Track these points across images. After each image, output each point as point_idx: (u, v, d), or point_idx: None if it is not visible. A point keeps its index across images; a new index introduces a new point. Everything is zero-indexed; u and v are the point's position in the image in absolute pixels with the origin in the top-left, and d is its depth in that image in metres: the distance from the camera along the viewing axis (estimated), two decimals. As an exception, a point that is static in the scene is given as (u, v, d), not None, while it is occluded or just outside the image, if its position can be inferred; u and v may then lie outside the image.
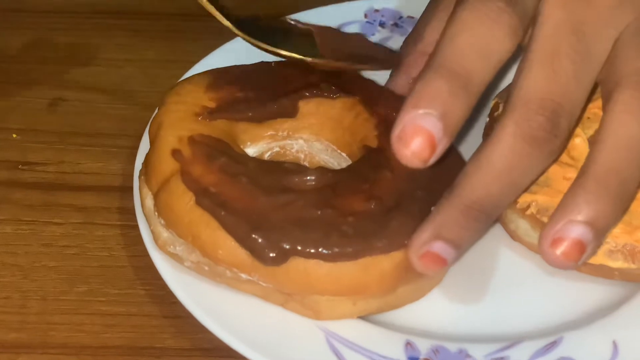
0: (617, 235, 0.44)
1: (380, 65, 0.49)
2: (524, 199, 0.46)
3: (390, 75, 0.51)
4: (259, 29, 0.47)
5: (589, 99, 0.44)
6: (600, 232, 0.42)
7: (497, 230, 0.48)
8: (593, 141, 0.43)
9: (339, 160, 0.48)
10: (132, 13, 0.60)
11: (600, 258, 0.45)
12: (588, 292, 0.46)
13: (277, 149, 0.49)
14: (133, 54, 0.57)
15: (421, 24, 0.50)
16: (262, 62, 0.50)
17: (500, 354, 0.43)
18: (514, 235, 0.47)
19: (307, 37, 0.48)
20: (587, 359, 0.43)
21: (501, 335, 0.44)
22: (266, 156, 0.48)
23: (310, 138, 0.49)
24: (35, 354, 0.44)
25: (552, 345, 0.44)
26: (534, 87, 0.42)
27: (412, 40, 0.50)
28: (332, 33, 0.50)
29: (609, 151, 0.42)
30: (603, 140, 0.42)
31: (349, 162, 0.48)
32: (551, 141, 0.42)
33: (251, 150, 0.48)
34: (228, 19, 0.47)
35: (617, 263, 0.45)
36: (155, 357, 0.45)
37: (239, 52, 0.53)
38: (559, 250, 0.42)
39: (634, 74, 0.42)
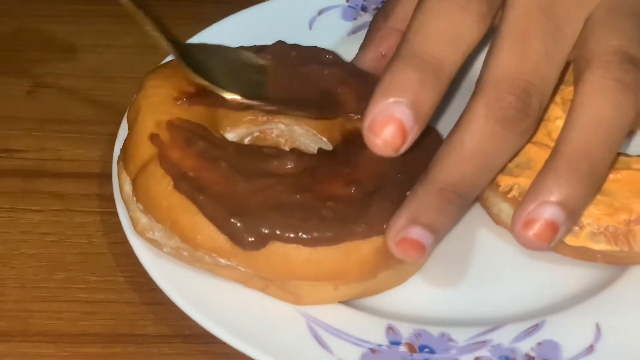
0: (599, 218, 0.44)
1: (320, 114, 0.48)
2: (506, 182, 0.46)
3: (360, 49, 0.50)
4: (210, 56, 0.47)
5: (561, 79, 0.43)
6: (572, 212, 0.42)
7: (480, 214, 0.47)
8: (564, 122, 0.42)
9: (319, 144, 0.48)
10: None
11: (582, 240, 0.45)
12: (571, 275, 0.46)
13: (257, 133, 0.48)
14: (112, 40, 0.57)
15: (390, 0, 0.50)
16: (241, 46, 0.49)
17: (482, 338, 0.43)
18: (496, 219, 0.47)
19: (260, 72, 0.47)
20: (570, 341, 0.43)
21: (483, 319, 0.44)
22: (246, 141, 0.48)
23: (291, 122, 0.48)
24: (14, 342, 0.44)
25: (534, 328, 0.43)
26: (504, 68, 0.42)
27: (382, 15, 0.50)
28: (292, 71, 0.48)
29: (580, 132, 0.42)
30: (573, 120, 0.42)
31: (330, 146, 0.47)
32: (523, 120, 0.41)
33: (231, 135, 0.48)
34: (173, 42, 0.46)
35: (600, 245, 0.45)
36: (135, 344, 0.44)
37: (218, 37, 0.53)
38: (532, 231, 0.41)
39: (605, 54, 0.42)
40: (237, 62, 0.47)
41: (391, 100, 0.41)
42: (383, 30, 0.49)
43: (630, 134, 0.50)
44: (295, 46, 0.50)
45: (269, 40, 0.50)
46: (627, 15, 0.44)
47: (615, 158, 0.46)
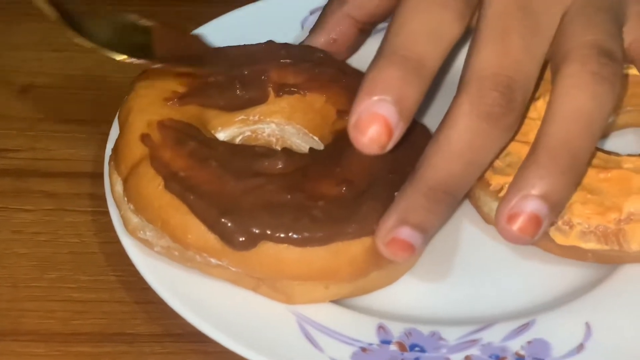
0: (590, 217, 0.44)
1: (206, 67, 0.48)
2: (497, 181, 0.46)
3: (311, 32, 0.51)
4: (97, 21, 0.46)
5: (541, 75, 0.44)
6: (555, 205, 0.42)
7: (471, 213, 0.48)
8: (544, 116, 0.43)
9: (311, 143, 0.48)
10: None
11: (573, 240, 0.45)
12: (561, 274, 0.46)
13: (248, 133, 0.48)
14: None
15: None
16: (231, 45, 0.49)
17: (473, 337, 0.43)
18: (487, 218, 0.47)
19: (146, 34, 0.47)
20: (560, 340, 0.43)
21: (474, 318, 0.44)
22: (237, 140, 0.48)
23: (282, 122, 0.48)
24: (5, 340, 0.44)
25: (525, 327, 0.44)
26: (485, 64, 0.42)
27: (337, 1, 0.50)
28: (177, 33, 0.49)
29: (559, 124, 0.42)
30: (552, 114, 0.42)
31: (321, 145, 0.47)
32: (507, 115, 0.42)
33: (222, 135, 0.48)
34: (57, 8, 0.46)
35: (590, 244, 0.45)
36: (126, 343, 0.44)
37: (211, 36, 0.53)
38: (516, 225, 0.42)
39: (581, 48, 0.43)
40: (124, 25, 0.47)
41: (375, 98, 0.41)
42: (337, 15, 0.50)
43: (604, 136, 0.50)
44: (285, 45, 0.50)
45: (261, 40, 0.50)
46: (603, 9, 0.44)
47: (606, 157, 0.46)
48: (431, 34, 0.42)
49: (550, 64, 0.44)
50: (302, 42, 0.52)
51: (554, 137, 0.42)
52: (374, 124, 0.41)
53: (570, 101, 0.42)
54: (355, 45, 0.51)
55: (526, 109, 0.44)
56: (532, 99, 0.46)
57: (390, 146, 0.41)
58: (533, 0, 0.43)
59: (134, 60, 0.44)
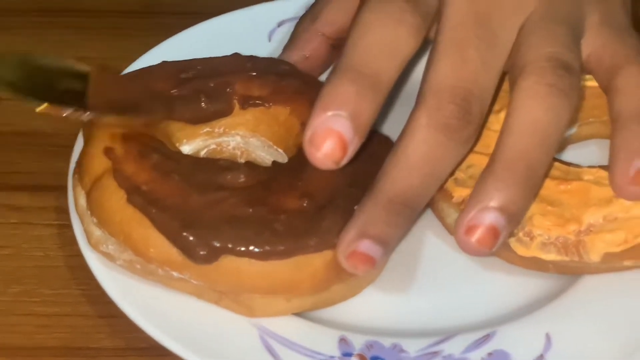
0: (550, 228, 0.45)
1: (141, 115, 0.46)
2: (460, 193, 0.46)
3: (284, 50, 0.51)
4: (22, 67, 0.44)
5: (499, 88, 0.44)
6: (512, 216, 0.42)
7: (435, 225, 0.48)
8: (501, 128, 0.43)
9: (275, 156, 0.48)
10: (71, 10, 0.60)
11: (533, 251, 0.45)
12: (523, 285, 0.46)
13: (213, 146, 0.49)
14: (72, 52, 0.57)
15: (318, 2, 0.51)
16: (196, 58, 0.49)
17: (434, 348, 0.43)
18: (450, 230, 0.47)
19: (82, 80, 0.44)
20: (520, 352, 0.43)
21: (435, 330, 0.45)
22: (202, 153, 0.48)
23: (247, 134, 0.49)
24: (-32, 355, 0.44)
25: (486, 338, 0.44)
26: (443, 77, 0.42)
27: (309, 17, 0.51)
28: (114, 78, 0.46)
29: (516, 137, 0.42)
30: (510, 126, 0.43)
31: (286, 158, 0.48)
32: (465, 128, 0.42)
33: (187, 148, 0.48)
34: None
35: (550, 256, 0.45)
36: (90, 357, 0.44)
37: (178, 49, 0.53)
38: (474, 237, 0.42)
39: (537, 61, 0.43)
40: (58, 70, 0.45)
41: (330, 113, 0.41)
42: (309, 32, 0.50)
43: (562, 149, 0.50)
44: (251, 57, 0.50)
45: (229, 52, 0.50)
46: (560, 22, 0.45)
47: (566, 169, 0.46)
48: (386, 49, 0.42)
49: (509, 77, 0.44)
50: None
51: (511, 150, 0.42)
52: (329, 139, 0.41)
53: (526, 113, 0.42)
54: (328, 61, 0.52)
55: (484, 121, 0.44)
56: (491, 111, 0.46)
57: (344, 161, 0.41)
58: (490, 13, 0.44)
59: (55, 110, 0.42)
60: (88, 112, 0.42)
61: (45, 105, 0.42)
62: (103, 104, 0.43)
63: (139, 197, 0.43)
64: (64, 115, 0.42)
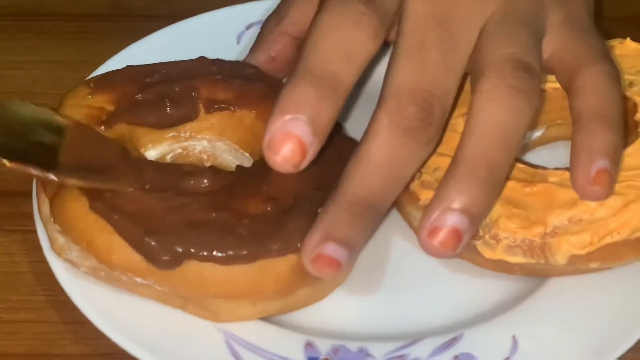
0: (515, 231, 0.45)
1: (109, 182, 0.44)
2: (426, 195, 0.46)
3: (250, 51, 0.51)
4: None
5: (460, 90, 0.44)
6: (474, 218, 0.42)
7: (402, 227, 0.48)
8: (462, 130, 0.43)
9: (242, 160, 0.48)
10: (38, 14, 0.59)
11: (499, 254, 0.45)
12: (490, 288, 0.46)
13: (179, 150, 0.48)
14: (39, 56, 0.57)
15: (284, 3, 0.51)
16: (161, 62, 0.49)
17: (401, 352, 0.43)
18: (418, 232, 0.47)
19: (58, 134, 0.44)
20: (486, 354, 0.43)
21: (402, 333, 0.44)
22: (168, 158, 0.48)
23: (213, 138, 0.48)
24: None
25: (452, 341, 0.44)
26: (403, 79, 0.42)
27: (275, 18, 0.51)
28: (92, 136, 0.45)
29: (476, 139, 0.42)
30: (470, 128, 0.43)
31: (252, 161, 0.47)
32: (426, 130, 0.42)
33: (153, 153, 0.48)
34: None
35: (516, 258, 0.45)
36: (55, 363, 0.44)
37: (146, 52, 0.53)
38: (437, 239, 0.42)
39: (497, 62, 0.43)
40: (36, 120, 0.44)
41: (288, 117, 0.41)
42: (274, 33, 0.50)
43: (525, 150, 0.50)
44: (217, 61, 0.50)
45: (198, 55, 0.50)
46: (520, 23, 0.44)
47: (532, 171, 0.46)
48: (344, 53, 0.42)
49: (470, 78, 0.44)
50: (242, 61, 0.52)
51: (472, 151, 0.42)
52: (287, 143, 0.41)
53: (486, 115, 0.42)
54: (295, 62, 0.51)
55: (446, 122, 0.44)
56: (452, 112, 0.46)
57: (304, 165, 0.41)
58: (451, 15, 0.43)
59: (22, 168, 0.42)
60: (54, 173, 0.42)
61: (13, 163, 0.42)
62: (73, 164, 0.43)
63: (101, 204, 0.43)
64: (31, 173, 0.42)
